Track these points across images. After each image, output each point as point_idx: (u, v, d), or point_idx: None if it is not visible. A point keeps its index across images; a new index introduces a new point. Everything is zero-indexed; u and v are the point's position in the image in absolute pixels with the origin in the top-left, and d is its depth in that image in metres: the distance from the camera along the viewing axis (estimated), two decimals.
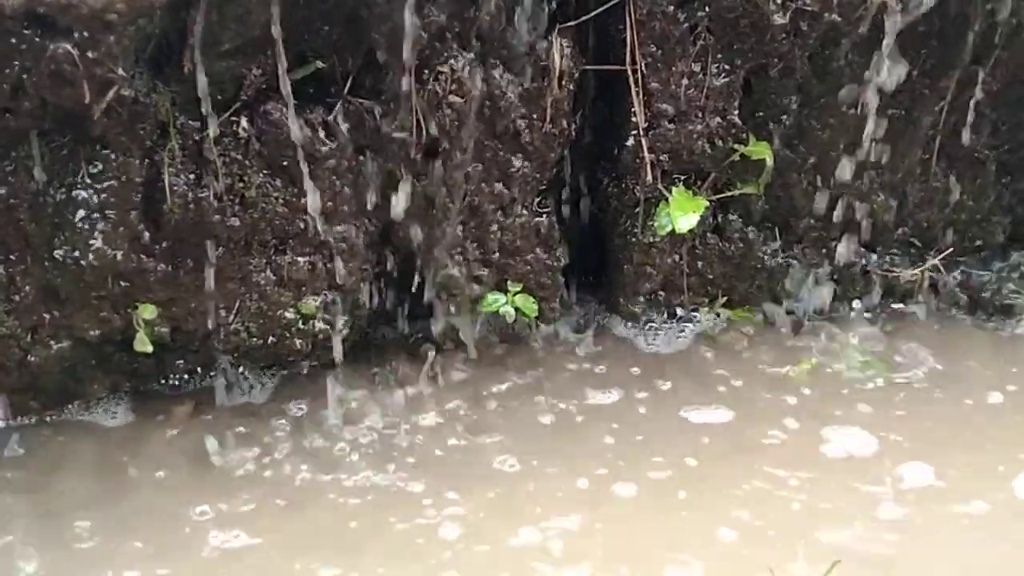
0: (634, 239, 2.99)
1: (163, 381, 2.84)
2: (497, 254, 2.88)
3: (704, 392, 2.89)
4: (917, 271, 3.19)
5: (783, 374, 2.96)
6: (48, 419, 2.72)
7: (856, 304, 3.20)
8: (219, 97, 2.48)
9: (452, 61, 2.61)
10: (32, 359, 2.59)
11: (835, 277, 3.15)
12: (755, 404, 2.85)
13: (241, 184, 2.58)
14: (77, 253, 2.48)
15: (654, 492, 2.53)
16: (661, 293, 3.11)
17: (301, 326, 2.75)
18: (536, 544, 2.37)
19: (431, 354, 2.94)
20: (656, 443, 2.69)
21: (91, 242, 2.47)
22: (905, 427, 2.74)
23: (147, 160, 2.49)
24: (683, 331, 3.11)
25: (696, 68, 2.82)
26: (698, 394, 2.88)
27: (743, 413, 2.80)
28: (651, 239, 2.98)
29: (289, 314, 2.73)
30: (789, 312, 3.17)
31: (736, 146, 2.90)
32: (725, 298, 3.13)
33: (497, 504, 2.50)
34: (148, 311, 2.59)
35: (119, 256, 2.50)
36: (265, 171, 2.59)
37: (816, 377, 2.94)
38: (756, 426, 2.75)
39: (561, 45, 2.71)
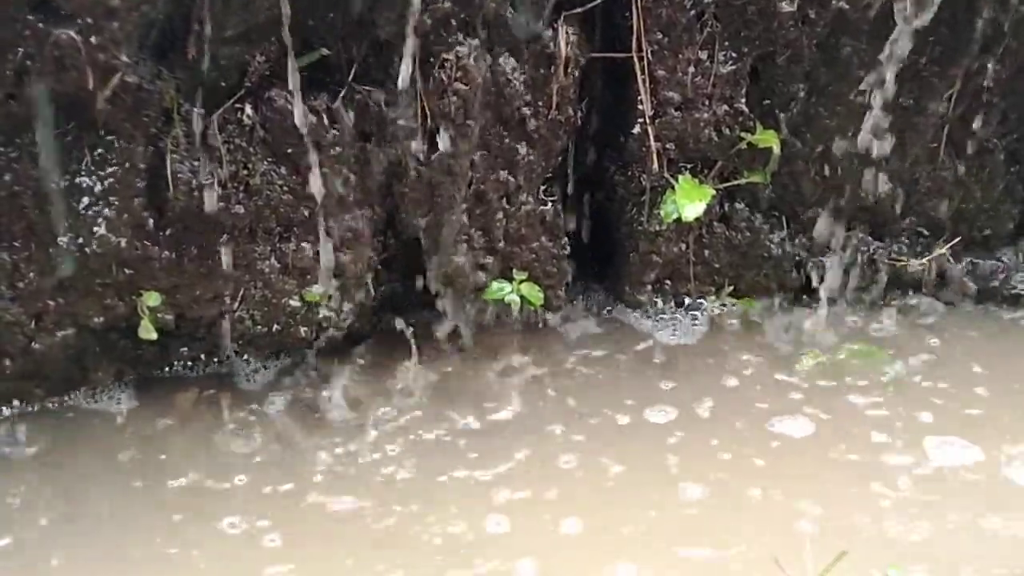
0: (640, 227, 2.98)
1: (167, 368, 2.84)
2: (502, 242, 2.87)
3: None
4: (925, 260, 3.17)
5: (793, 365, 2.95)
6: (52, 406, 2.72)
7: (863, 294, 3.19)
8: (223, 84, 2.48)
9: (457, 48, 2.60)
10: (36, 346, 2.58)
11: (841, 266, 3.13)
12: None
13: (245, 172, 2.57)
14: (81, 240, 2.47)
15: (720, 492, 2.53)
16: (667, 282, 3.10)
17: (306, 314, 2.74)
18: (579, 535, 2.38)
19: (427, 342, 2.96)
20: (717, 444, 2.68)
21: (95, 229, 2.47)
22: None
23: (151, 147, 2.48)
24: (696, 320, 3.11)
25: (703, 55, 2.81)
26: None
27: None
28: (657, 227, 2.97)
29: (294, 302, 2.72)
30: (796, 301, 3.16)
31: (743, 134, 2.89)
32: (731, 287, 3.12)
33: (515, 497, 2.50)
34: (152, 298, 2.59)
35: (123, 243, 2.50)
36: (269, 158, 2.58)
37: (828, 370, 2.93)
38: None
39: (567, 32, 2.69)
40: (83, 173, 2.45)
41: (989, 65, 2.94)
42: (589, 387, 2.86)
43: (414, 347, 2.92)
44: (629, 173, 2.94)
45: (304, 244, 2.68)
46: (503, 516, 2.41)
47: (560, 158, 2.89)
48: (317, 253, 2.69)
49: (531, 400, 2.80)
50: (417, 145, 2.66)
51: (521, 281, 2.90)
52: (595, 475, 2.55)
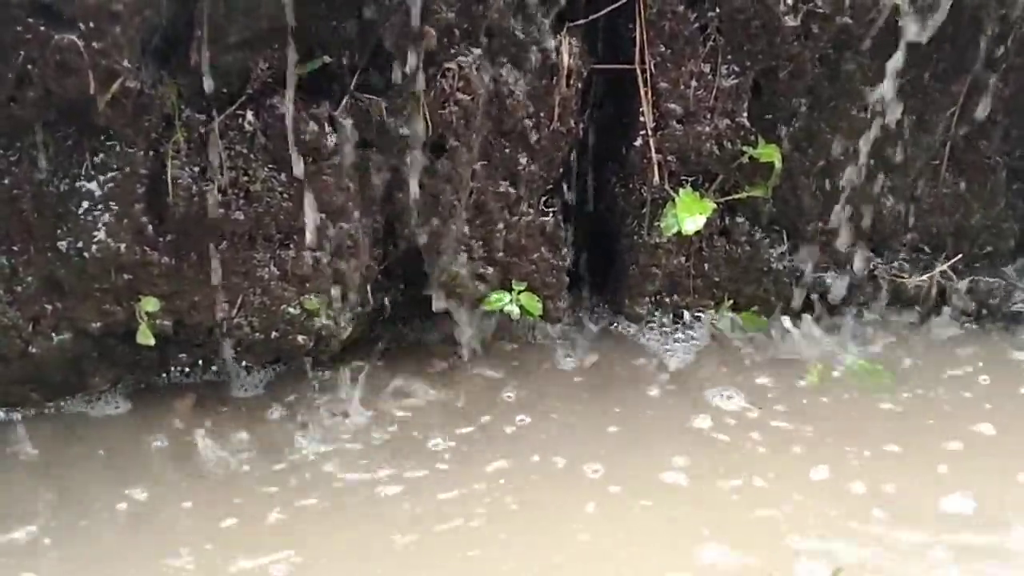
0: (640, 240, 2.98)
1: (165, 374, 2.83)
2: (502, 253, 2.86)
3: None
4: (926, 277, 3.16)
5: (794, 381, 2.94)
6: (49, 411, 2.71)
7: (864, 309, 3.18)
8: (225, 90, 2.48)
9: (460, 58, 2.60)
10: (34, 350, 2.58)
11: (841, 282, 3.12)
12: None
13: (246, 178, 2.57)
14: (80, 244, 2.47)
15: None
16: (667, 295, 3.09)
17: (304, 321, 2.73)
18: None
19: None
20: None
21: (94, 234, 2.47)
22: None
23: (152, 152, 2.48)
24: (694, 334, 3.10)
25: (705, 69, 2.80)
26: None
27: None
28: (657, 240, 2.96)
29: (292, 309, 2.72)
30: (796, 316, 3.16)
31: (744, 148, 2.88)
32: (731, 301, 3.12)
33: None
34: (151, 304, 2.58)
35: (122, 248, 2.50)
36: (270, 165, 2.58)
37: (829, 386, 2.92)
38: None
39: (570, 43, 2.69)
40: (83, 177, 2.44)
41: (992, 82, 2.93)
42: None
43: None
44: (630, 185, 2.94)
45: (304, 252, 2.67)
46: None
47: (561, 169, 2.89)
48: (317, 261, 2.68)
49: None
50: (418, 154, 2.65)
51: (520, 291, 2.89)
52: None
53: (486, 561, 2.31)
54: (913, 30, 2.74)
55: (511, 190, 2.81)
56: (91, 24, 2.22)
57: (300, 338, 2.75)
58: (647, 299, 3.08)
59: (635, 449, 2.66)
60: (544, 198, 2.89)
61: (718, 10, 2.74)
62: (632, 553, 2.33)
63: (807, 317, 3.15)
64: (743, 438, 2.70)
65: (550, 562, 2.31)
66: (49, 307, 2.55)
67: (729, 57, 2.80)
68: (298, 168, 2.56)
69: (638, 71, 2.77)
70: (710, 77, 2.81)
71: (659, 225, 2.90)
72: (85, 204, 2.45)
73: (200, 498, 2.48)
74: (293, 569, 2.29)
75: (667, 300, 3.10)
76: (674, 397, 2.87)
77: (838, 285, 3.13)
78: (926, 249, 3.19)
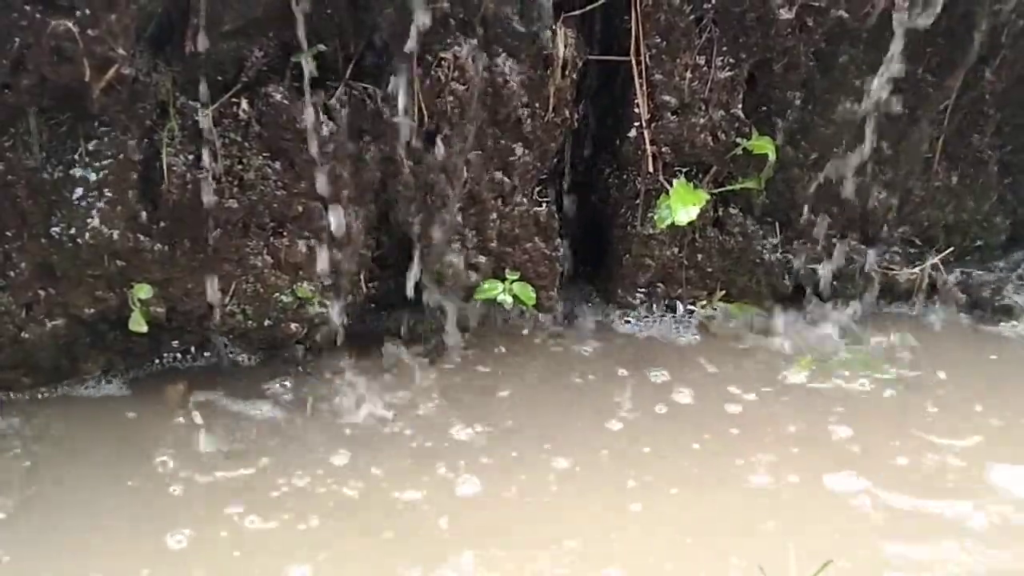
0: (634, 230, 2.99)
1: (157, 360, 2.83)
2: (495, 242, 2.87)
3: None
4: (917, 270, 3.18)
5: (784, 371, 2.95)
6: (41, 396, 2.71)
7: (855, 301, 3.19)
8: (219, 79, 2.47)
9: (455, 47, 2.60)
10: (26, 336, 2.58)
11: (834, 274, 3.13)
12: None
13: (240, 166, 2.57)
14: (74, 231, 2.47)
15: None
16: (659, 285, 3.10)
17: (297, 309, 2.74)
18: None
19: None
20: None
21: (88, 220, 2.47)
22: None
23: (146, 139, 2.48)
24: (686, 324, 3.12)
25: (700, 61, 2.81)
26: None
27: None
28: (651, 231, 2.97)
29: (285, 297, 2.72)
30: (787, 307, 3.17)
31: (739, 140, 2.89)
32: (723, 292, 3.13)
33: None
34: (143, 291, 2.59)
35: (115, 235, 2.50)
36: (264, 154, 2.58)
37: (818, 376, 2.93)
38: None
39: (565, 34, 2.69)
40: (77, 164, 2.44)
41: (986, 76, 2.94)
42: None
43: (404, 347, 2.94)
44: (624, 176, 2.94)
45: (297, 240, 2.67)
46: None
47: (555, 159, 2.89)
48: (310, 249, 2.68)
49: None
50: (412, 143, 2.66)
51: (513, 281, 2.90)
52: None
53: None
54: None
55: (505, 180, 2.81)
56: (87, 11, 2.21)
57: (293, 326, 2.76)
58: (640, 289, 3.09)
59: None
60: (538, 188, 2.89)
61: (713, 2, 2.74)
62: None
63: (798, 308, 3.17)
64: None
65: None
66: (42, 293, 2.55)
67: (724, 49, 2.80)
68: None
69: (633, 62, 2.77)
70: (705, 69, 2.82)
71: (652, 216, 2.91)
72: (79, 191, 2.45)
73: (191, 482, 2.49)
74: None
75: (659, 290, 3.11)
76: None
77: (829, 277, 3.14)
78: (917, 242, 3.20)
